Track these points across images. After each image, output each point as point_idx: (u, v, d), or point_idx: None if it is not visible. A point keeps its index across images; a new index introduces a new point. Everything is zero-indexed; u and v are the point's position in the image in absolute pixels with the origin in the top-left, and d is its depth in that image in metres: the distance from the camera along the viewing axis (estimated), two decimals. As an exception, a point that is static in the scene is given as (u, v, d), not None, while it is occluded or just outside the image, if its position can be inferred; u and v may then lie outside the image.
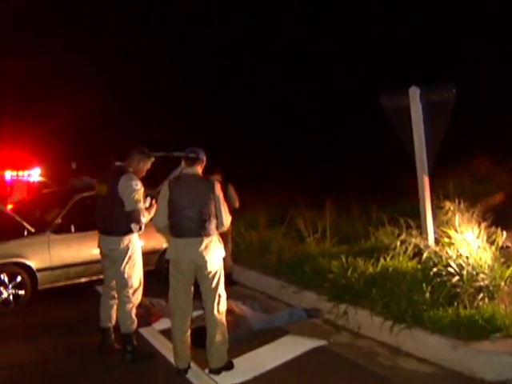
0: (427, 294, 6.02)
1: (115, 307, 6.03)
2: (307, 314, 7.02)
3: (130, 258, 5.80)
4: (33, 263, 7.73)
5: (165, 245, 8.85)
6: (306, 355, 5.90)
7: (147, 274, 8.59)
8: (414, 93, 6.34)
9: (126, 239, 5.78)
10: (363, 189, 13.11)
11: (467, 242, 6.42)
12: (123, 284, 5.80)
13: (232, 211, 6.72)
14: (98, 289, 8.42)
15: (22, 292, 7.67)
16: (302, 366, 5.62)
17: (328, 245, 8.65)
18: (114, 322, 6.06)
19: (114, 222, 5.77)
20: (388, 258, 7.01)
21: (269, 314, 7.03)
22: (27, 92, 25.28)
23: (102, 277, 8.13)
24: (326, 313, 6.94)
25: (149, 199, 5.90)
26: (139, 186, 5.73)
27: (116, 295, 5.98)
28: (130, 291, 5.80)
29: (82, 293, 8.33)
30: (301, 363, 5.70)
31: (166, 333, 6.49)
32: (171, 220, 5.36)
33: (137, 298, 5.88)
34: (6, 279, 7.56)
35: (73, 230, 8.04)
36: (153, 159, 6.05)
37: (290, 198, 12.22)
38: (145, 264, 8.43)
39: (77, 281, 8.18)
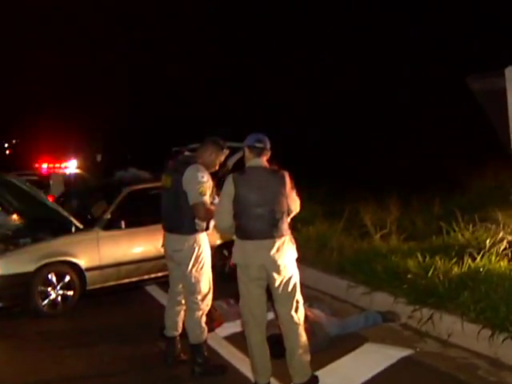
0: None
1: (182, 314, 5.44)
2: (383, 318, 6.41)
3: (196, 260, 5.17)
4: (82, 262, 7.19)
5: (219, 241, 8.30)
6: (394, 367, 5.25)
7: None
8: (510, 73, 5.66)
9: (192, 239, 5.17)
10: (423, 181, 12.40)
11: None
12: (191, 289, 5.19)
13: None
14: (147, 289, 7.93)
15: (70, 293, 7.13)
16: (395, 381, 4.99)
17: (395, 241, 7.98)
18: (180, 330, 5.47)
19: (179, 219, 5.17)
20: (478, 258, 6.33)
21: (341, 317, 6.41)
22: (63, 85, 24.90)
23: (153, 276, 7.75)
24: (404, 317, 6.33)
25: (217, 198, 5.24)
26: (206, 179, 5.10)
27: (183, 301, 5.39)
28: (199, 297, 5.19)
29: (131, 294, 7.80)
30: (392, 377, 5.05)
31: (232, 339, 6.02)
32: (237, 220, 4.70)
33: (206, 304, 5.27)
34: (54, 279, 7.03)
35: (123, 226, 7.44)
36: (227, 152, 5.44)
37: (346, 190, 11.58)
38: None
39: (127, 280, 7.61)
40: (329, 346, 5.66)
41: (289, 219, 4.79)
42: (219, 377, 5.14)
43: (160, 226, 7.76)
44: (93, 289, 7.32)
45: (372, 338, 6.00)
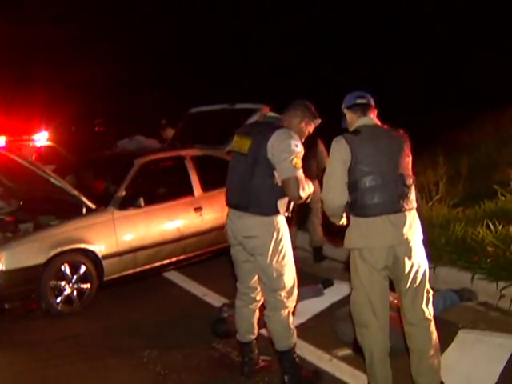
0: None
1: (257, 313, 4.41)
2: (460, 297, 5.58)
3: (276, 248, 4.06)
4: (98, 249, 6.04)
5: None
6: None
7: (220, 253, 7.27)
8: None
9: (271, 221, 4.06)
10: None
11: None
12: (273, 285, 4.11)
13: (321, 172, 5.42)
14: (167, 276, 6.88)
15: (86, 286, 5.99)
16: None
17: (445, 208, 7.12)
18: (257, 332, 4.46)
19: (256, 195, 4.03)
20: None
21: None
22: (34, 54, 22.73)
23: (174, 260, 6.70)
24: (483, 295, 5.53)
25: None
26: (300, 148, 4.02)
27: (257, 297, 4.36)
28: (283, 293, 4.12)
29: (150, 282, 6.70)
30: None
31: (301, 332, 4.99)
32: (355, 193, 3.70)
33: (293, 300, 4.21)
34: (68, 271, 5.87)
35: (142, 203, 6.30)
36: (319, 122, 4.33)
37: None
38: (219, 241, 7.08)
39: (148, 267, 6.51)
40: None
41: None
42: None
43: (180, 202, 6.86)
44: (110, 279, 6.20)
45: (461, 322, 5.16)
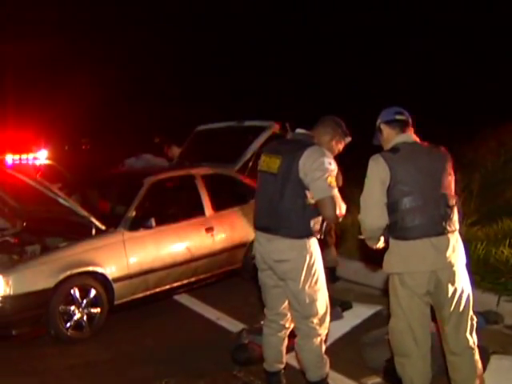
0: None
1: (286, 341, 4.19)
2: (485, 320, 5.38)
3: (309, 272, 3.87)
4: (108, 271, 5.80)
5: (252, 237, 7.06)
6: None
7: (231, 275, 7.05)
8: None
9: (303, 244, 3.87)
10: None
11: None
12: (305, 312, 3.91)
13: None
14: (177, 299, 6.64)
15: (96, 310, 5.74)
16: None
17: (463, 227, 6.91)
18: (284, 361, 4.23)
19: (286, 217, 3.83)
20: None
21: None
22: (33, 72, 22.50)
23: (185, 282, 6.47)
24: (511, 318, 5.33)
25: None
26: (334, 166, 3.83)
27: (287, 324, 4.14)
28: (316, 320, 3.92)
29: (161, 306, 6.45)
30: None
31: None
32: (394, 214, 3.53)
33: (325, 328, 4.00)
34: (78, 295, 5.62)
35: (153, 224, 6.08)
36: (349, 140, 4.15)
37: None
38: (230, 262, 6.88)
39: (158, 290, 6.27)
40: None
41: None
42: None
43: (191, 222, 6.64)
44: (121, 303, 5.96)
45: (491, 347, 4.93)
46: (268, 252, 3.96)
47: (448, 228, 3.50)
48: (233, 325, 5.83)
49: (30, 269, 5.44)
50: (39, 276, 5.41)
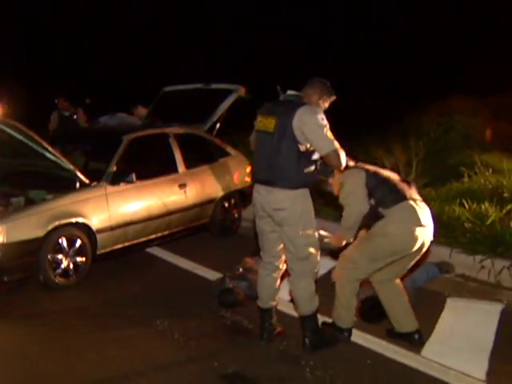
0: None
1: (279, 281, 4.69)
2: (439, 270, 6.02)
3: (304, 218, 4.36)
4: (93, 223, 6.09)
5: (221, 193, 7.50)
6: (503, 323, 4.88)
7: (200, 229, 7.46)
8: None
9: (297, 194, 4.33)
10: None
11: None
12: (300, 254, 4.39)
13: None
14: (150, 251, 7.01)
15: (82, 259, 6.04)
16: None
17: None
18: (277, 299, 4.74)
19: (283, 170, 4.28)
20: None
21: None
22: None
23: (159, 235, 6.83)
24: (461, 268, 5.99)
25: None
26: (326, 121, 4.28)
27: (281, 265, 4.63)
28: (307, 261, 4.42)
29: (137, 259, 6.81)
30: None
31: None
32: None
33: (316, 267, 4.49)
34: (66, 244, 5.91)
35: (134, 179, 6.39)
36: (334, 98, 4.56)
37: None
38: (200, 217, 7.29)
39: (135, 241, 6.61)
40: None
41: None
42: (334, 347, 4.50)
43: (166, 179, 6.98)
44: (102, 253, 6.28)
45: (447, 292, 5.61)
46: (268, 202, 4.40)
47: None
48: (209, 273, 6.27)
49: (23, 219, 5.66)
50: (31, 226, 5.65)
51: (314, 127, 4.19)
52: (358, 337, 4.65)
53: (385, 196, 4.38)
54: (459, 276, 6.01)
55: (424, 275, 5.78)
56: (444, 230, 6.34)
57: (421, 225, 4.30)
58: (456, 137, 10.82)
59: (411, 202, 4.36)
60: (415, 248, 4.34)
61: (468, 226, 6.13)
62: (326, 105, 4.52)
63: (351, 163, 4.58)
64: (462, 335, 4.69)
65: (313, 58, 23.16)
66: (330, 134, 4.21)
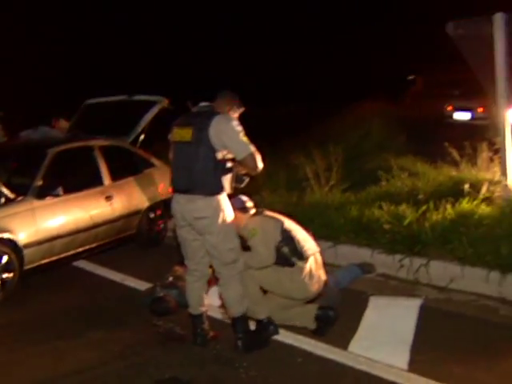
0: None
1: (206, 286, 4.87)
2: (362, 270, 6.32)
3: (224, 225, 4.55)
4: (19, 238, 6.05)
5: (147, 204, 7.59)
6: (423, 317, 5.17)
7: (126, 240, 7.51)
8: (500, 20, 5.75)
9: (216, 200, 4.52)
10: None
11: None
12: (224, 259, 4.59)
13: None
14: (78, 264, 7.01)
15: (8, 275, 5.98)
16: (437, 331, 4.90)
17: (337, 193, 7.86)
18: (206, 304, 4.90)
19: (201, 178, 4.48)
20: (464, 202, 6.45)
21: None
22: None
23: (87, 247, 6.85)
24: (382, 268, 6.30)
25: None
26: (241, 127, 4.53)
27: (207, 271, 4.81)
28: (235, 265, 4.62)
29: (64, 273, 6.78)
30: (431, 328, 4.95)
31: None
32: None
33: (241, 269, 4.69)
34: (-7, 261, 5.85)
35: (61, 192, 6.40)
36: (243, 109, 4.84)
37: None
38: (126, 228, 7.35)
39: (63, 255, 6.60)
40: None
41: None
42: (266, 348, 4.68)
43: (92, 191, 7.00)
44: (29, 268, 6.23)
45: (369, 291, 5.89)
46: (188, 211, 4.56)
47: None
48: (139, 284, 6.33)
49: None
50: (-45, 242, 5.57)
51: (230, 133, 4.43)
52: (288, 337, 4.84)
53: None
54: (380, 275, 6.29)
55: (347, 276, 6.08)
56: (365, 232, 6.64)
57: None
58: (373, 141, 11.27)
59: None
60: None
61: (387, 228, 6.43)
62: (236, 115, 4.77)
63: (253, 209, 4.98)
64: (384, 330, 4.95)
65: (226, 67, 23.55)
66: (245, 138, 4.47)
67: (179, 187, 4.66)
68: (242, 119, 4.71)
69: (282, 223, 4.83)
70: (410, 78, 22.66)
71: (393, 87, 17.50)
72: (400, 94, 16.57)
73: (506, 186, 6.09)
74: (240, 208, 4.87)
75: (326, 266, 5.30)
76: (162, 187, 7.86)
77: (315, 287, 4.85)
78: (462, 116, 17.70)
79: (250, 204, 4.97)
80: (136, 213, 7.48)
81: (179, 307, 5.39)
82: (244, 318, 4.67)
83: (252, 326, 4.83)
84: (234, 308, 4.64)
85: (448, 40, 6.09)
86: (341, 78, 21.58)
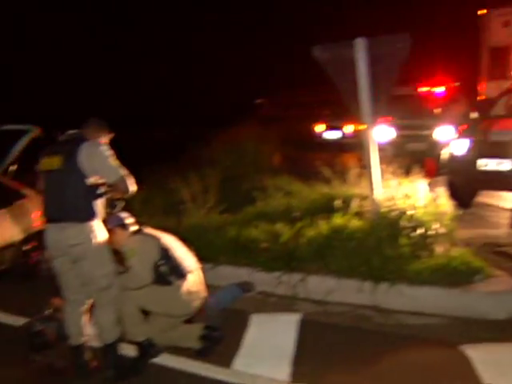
0: (405, 248, 5.91)
1: (86, 316, 4.75)
2: (242, 290, 6.41)
3: (98, 251, 4.53)
4: None
5: (20, 236, 7.31)
6: (303, 331, 5.32)
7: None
8: (360, 44, 6.10)
9: (90, 226, 4.49)
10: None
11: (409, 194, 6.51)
12: (99, 285, 4.55)
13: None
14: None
15: None
16: (316, 344, 5.08)
17: (216, 215, 7.90)
18: (86, 334, 4.77)
19: (73, 204, 4.44)
20: (336, 217, 6.68)
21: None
22: None
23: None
24: (261, 285, 6.43)
25: None
26: (110, 151, 4.56)
27: (86, 301, 4.70)
28: (109, 291, 4.59)
29: None
30: (311, 341, 5.13)
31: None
32: None
33: (115, 296, 4.65)
34: None
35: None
36: (111, 136, 4.86)
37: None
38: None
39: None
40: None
41: None
42: (149, 372, 4.64)
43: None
44: None
45: (250, 309, 5.98)
46: (62, 239, 4.48)
47: None
48: (14, 320, 6.03)
49: None
50: None
51: (100, 158, 4.44)
52: (172, 360, 4.82)
53: None
54: (260, 293, 6.40)
55: (228, 296, 6.12)
56: (243, 251, 6.75)
57: None
58: (247, 163, 11.50)
59: None
60: None
61: (264, 246, 6.58)
62: (105, 141, 4.78)
63: (134, 226, 4.96)
64: (266, 346, 5.07)
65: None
66: (115, 162, 4.50)
67: (51, 216, 4.58)
68: (119, 144, 4.70)
69: (159, 241, 4.83)
70: (258, 101, 23.49)
71: (240, 112, 18.03)
72: (249, 118, 16.95)
73: (374, 200, 6.40)
74: (119, 225, 4.83)
75: (207, 287, 5.31)
76: (36, 218, 7.59)
77: (195, 303, 4.89)
78: (332, 135, 18.39)
79: (130, 220, 4.94)
80: (9, 246, 7.18)
81: (59, 340, 5.21)
82: (116, 345, 4.63)
83: (132, 351, 4.76)
84: (106, 334, 4.59)
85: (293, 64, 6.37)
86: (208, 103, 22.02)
